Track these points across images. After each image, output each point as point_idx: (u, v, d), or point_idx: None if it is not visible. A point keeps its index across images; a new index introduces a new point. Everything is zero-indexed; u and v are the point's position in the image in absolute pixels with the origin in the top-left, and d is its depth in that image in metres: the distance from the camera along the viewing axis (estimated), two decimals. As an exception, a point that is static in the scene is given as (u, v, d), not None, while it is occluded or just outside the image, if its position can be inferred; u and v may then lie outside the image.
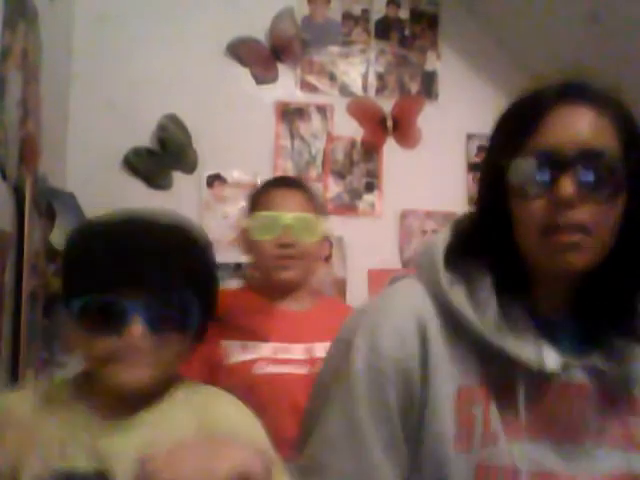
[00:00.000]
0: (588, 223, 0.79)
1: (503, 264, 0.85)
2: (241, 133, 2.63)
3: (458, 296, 0.84)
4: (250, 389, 1.42)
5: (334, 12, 2.83)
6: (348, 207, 2.75)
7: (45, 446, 0.87)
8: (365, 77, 2.84)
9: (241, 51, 2.68)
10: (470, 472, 0.79)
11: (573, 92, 0.82)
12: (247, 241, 1.60)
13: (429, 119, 2.84)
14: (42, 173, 1.88)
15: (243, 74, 2.69)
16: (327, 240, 1.68)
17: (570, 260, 0.80)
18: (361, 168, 2.79)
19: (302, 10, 2.77)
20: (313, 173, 2.74)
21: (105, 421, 0.89)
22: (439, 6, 2.90)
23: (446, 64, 2.88)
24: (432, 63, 2.89)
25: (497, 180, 0.84)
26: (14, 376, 1.56)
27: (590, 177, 0.78)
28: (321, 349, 1.47)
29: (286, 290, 1.58)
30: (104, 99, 2.49)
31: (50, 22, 2.02)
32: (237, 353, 1.49)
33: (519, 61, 2.79)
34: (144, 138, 2.55)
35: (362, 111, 2.81)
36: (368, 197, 2.78)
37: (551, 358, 0.82)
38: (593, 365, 0.83)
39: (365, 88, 2.84)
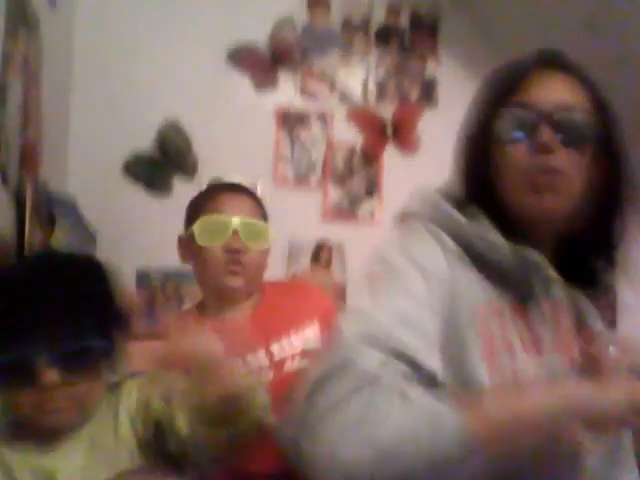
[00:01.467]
0: (562, 167, 0.89)
1: (489, 216, 0.92)
2: (241, 139, 2.63)
3: (461, 218, 0.91)
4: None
5: (334, 20, 2.84)
6: (348, 213, 2.75)
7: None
8: (365, 84, 2.85)
9: (241, 58, 2.69)
10: (495, 377, 0.82)
11: (550, 59, 0.95)
12: (191, 248, 1.50)
13: (429, 126, 2.85)
14: (43, 179, 1.89)
15: (243, 81, 2.70)
16: (267, 251, 1.58)
17: (548, 201, 0.89)
18: (361, 175, 2.80)
19: (302, 17, 2.78)
20: (313, 179, 2.74)
21: (48, 441, 0.93)
22: (439, 13, 2.91)
23: (446, 71, 2.89)
24: (432, 70, 2.90)
25: (481, 133, 0.95)
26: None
27: (564, 127, 0.89)
28: (278, 348, 1.42)
29: (234, 298, 1.48)
30: (105, 105, 2.49)
31: (51, 29, 2.03)
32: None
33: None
34: (144, 144, 2.56)
35: (362, 118, 2.82)
36: (368, 204, 2.78)
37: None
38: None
39: (365, 95, 2.84)
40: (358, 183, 2.79)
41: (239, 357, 1.37)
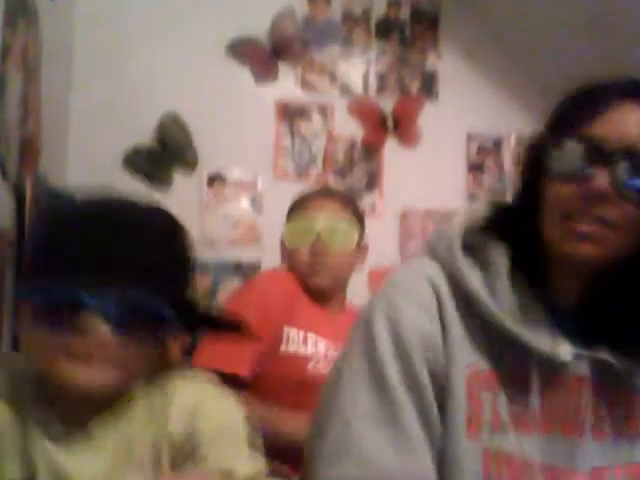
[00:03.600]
0: (613, 219, 0.78)
1: (523, 251, 0.84)
2: (241, 132, 2.63)
3: (474, 279, 0.83)
4: (301, 385, 1.44)
5: (335, 12, 2.82)
6: (348, 207, 2.75)
7: (8, 456, 0.80)
8: (365, 77, 2.84)
9: (242, 51, 2.68)
10: (477, 457, 0.79)
11: (625, 92, 0.81)
12: (284, 248, 1.65)
13: (429, 119, 2.84)
14: (42, 172, 1.88)
15: (243, 73, 2.69)
16: (364, 252, 1.73)
17: (583, 249, 0.79)
18: (361, 168, 2.79)
19: (303, 10, 2.77)
20: (313, 172, 2.74)
21: (65, 430, 0.81)
22: (439, 6, 2.90)
23: (446, 64, 2.88)
24: (432, 63, 2.89)
25: (537, 162, 0.84)
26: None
27: (629, 177, 0.77)
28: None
29: (318, 299, 1.60)
30: (104, 98, 2.49)
31: (50, 21, 2.02)
32: (296, 343, 1.50)
33: (519, 61, 2.79)
34: (144, 137, 2.55)
35: (362, 111, 2.81)
36: (368, 197, 2.78)
37: (564, 349, 0.81)
38: (599, 358, 0.82)
39: (365, 88, 2.84)
40: (359, 176, 2.78)
41: (337, 343, 1.49)
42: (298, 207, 1.66)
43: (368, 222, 2.73)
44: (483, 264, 0.85)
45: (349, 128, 2.78)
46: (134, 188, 2.50)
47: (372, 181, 2.79)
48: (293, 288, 1.58)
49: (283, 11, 2.72)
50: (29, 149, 1.75)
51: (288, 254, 1.63)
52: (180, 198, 2.56)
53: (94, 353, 0.77)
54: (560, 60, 2.44)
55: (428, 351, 0.81)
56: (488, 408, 0.80)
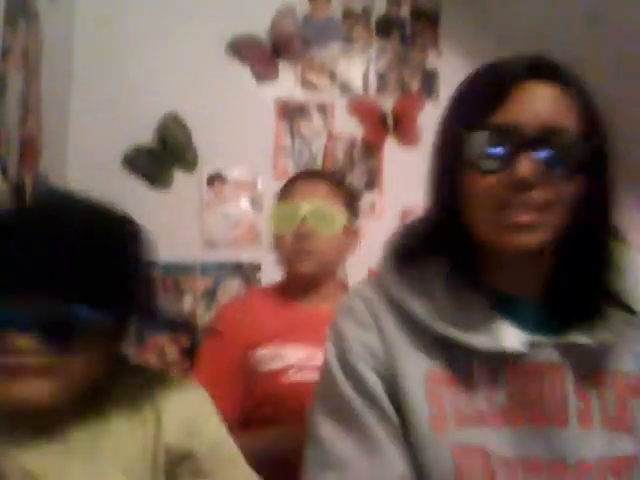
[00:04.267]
0: (544, 202, 0.77)
1: (457, 245, 0.85)
2: (241, 131, 2.62)
3: (402, 290, 0.86)
4: (282, 399, 1.39)
5: (335, 10, 2.82)
6: (348, 206, 2.75)
7: None
8: (366, 75, 2.84)
9: (241, 49, 2.68)
10: (448, 450, 0.79)
11: (538, 69, 0.81)
12: (272, 235, 1.57)
13: (430, 117, 2.83)
14: (42, 172, 1.88)
15: (243, 72, 2.69)
16: (354, 237, 1.60)
17: (523, 240, 0.78)
18: (361, 167, 2.79)
19: (303, 8, 2.77)
20: (313, 172, 2.74)
21: (34, 435, 0.80)
22: (440, 4, 2.89)
23: (447, 62, 2.88)
24: (433, 61, 2.89)
25: (452, 153, 0.82)
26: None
27: (548, 156, 0.77)
28: None
29: (307, 285, 1.52)
30: (104, 98, 2.48)
31: (50, 21, 2.02)
32: (269, 360, 1.43)
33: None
34: (144, 137, 2.55)
35: (362, 109, 2.81)
36: (369, 196, 2.78)
37: (513, 338, 0.81)
38: (567, 342, 0.81)
39: (366, 86, 2.83)
40: (359, 175, 2.78)
41: (316, 345, 1.40)
42: (285, 191, 1.57)
43: (368, 221, 2.74)
44: (420, 277, 0.86)
45: (349, 127, 2.78)
46: (134, 188, 2.50)
47: (372, 180, 2.79)
48: (250, 315, 1.50)
49: (283, 9, 2.72)
50: (29, 149, 1.75)
51: (274, 240, 1.55)
52: (180, 198, 2.56)
53: (24, 370, 0.75)
54: (560, 59, 2.44)
55: (374, 362, 0.84)
56: (449, 405, 0.81)
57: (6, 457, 0.79)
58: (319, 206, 1.49)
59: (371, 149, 2.79)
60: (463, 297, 0.83)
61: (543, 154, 0.77)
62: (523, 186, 0.76)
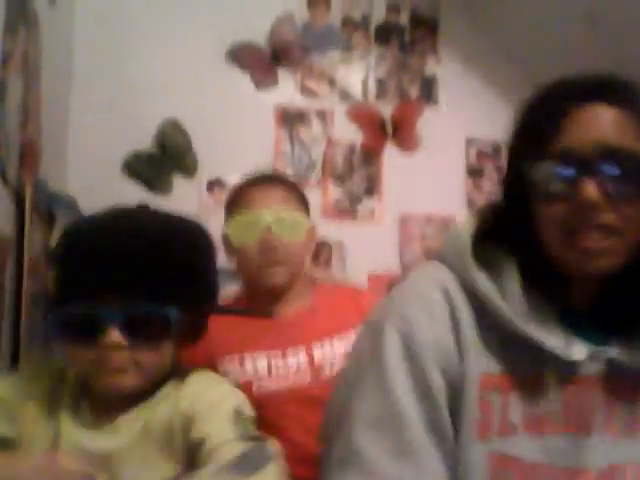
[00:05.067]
0: (614, 224, 0.77)
1: (529, 259, 0.84)
2: (241, 137, 2.63)
3: (485, 282, 0.83)
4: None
5: (334, 17, 2.83)
6: (348, 212, 2.75)
7: (38, 440, 0.90)
8: (365, 82, 2.85)
9: (241, 56, 2.69)
10: (485, 460, 0.78)
11: (593, 92, 0.81)
12: (229, 246, 1.47)
13: (429, 124, 2.84)
14: (42, 177, 1.88)
15: (243, 79, 2.70)
16: (313, 235, 1.54)
17: (597, 265, 0.78)
18: (361, 173, 2.79)
19: (302, 15, 2.78)
20: (313, 178, 2.74)
21: (96, 420, 0.92)
22: (439, 11, 2.91)
23: (446, 69, 2.89)
24: (432, 68, 2.90)
25: (520, 181, 0.82)
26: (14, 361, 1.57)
27: (613, 176, 0.76)
28: (319, 349, 1.40)
29: (275, 295, 1.46)
30: (104, 103, 2.49)
31: (50, 26, 2.02)
32: (234, 374, 1.38)
33: (519, 65, 2.79)
34: (144, 142, 2.55)
35: (362, 116, 2.81)
36: (368, 202, 2.78)
37: (578, 349, 0.81)
38: (611, 356, 0.82)
39: (365, 93, 2.84)
40: (358, 181, 2.79)
41: (279, 352, 1.40)
42: (240, 199, 1.46)
43: (367, 227, 2.75)
44: (493, 271, 0.84)
45: (348, 133, 2.79)
46: (134, 193, 2.50)
47: (371, 186, 2.79)
48: (214, 326, 1.46)
49: (283, 16, 2.73)
50: (29, 154, 1.75)
51: (236, 252, 1.45)
52: (180, 203, 2.54)
53: (117, 366, 0.88)
54: (560, 65, 2.44)
55: (443, 359, 0.80)
56: (497, 411, 0.80)
57: (64, 433, 0.91)
58: (281, 213, 1.42)
59: (370, 155, 2.80)
60: (535, 304, 0.82)
61: (607, 175, 0.76)
62: (589, 209, 0.76)
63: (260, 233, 1.40)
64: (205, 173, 2.61)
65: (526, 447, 0.79)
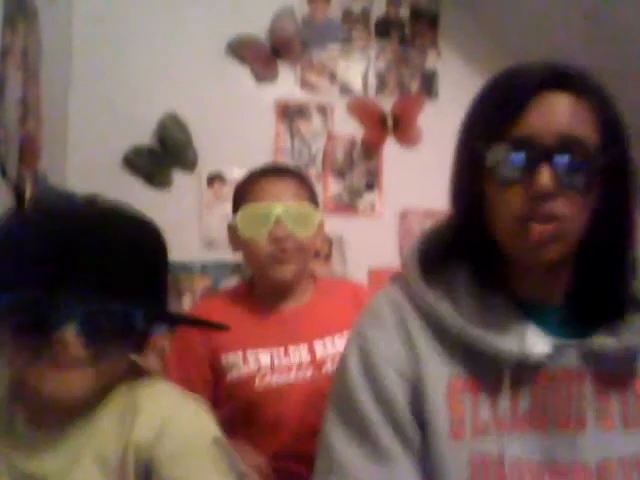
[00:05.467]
0: (564, 214, 0.78)
1: (481, 252, 0.85)
2: (241, 132, 2.62)
3: (429, 294, 0.85)
4: (252, 404, 1.36)
5: (334, 11, 2.82)
6: (348, 206, 2.75)
7: None
8: (365, 76, 2.84)
9: (241, 50, 2.68)
10: (465, 459, 0.79)
11: (555, 79, 0.81)
12: (237, 238, 1.45)
13: (429, 118, 2.84)
14: (42, 172, 1.88)
15: (243, 73, 2.69)
16: (322, 229, 1.52)
17: (546, 255, 0.79)
18: (361, 167, 2.79)
19: (302, 9, 2.77)
20: (313, 172, 2.73)
21: (29, 434, 0.81)
22: (439, 5, 2.90)
23: (446, 63, 2.88)
24: (432, 62, 2.89)
25: (473, 165, 0.84)
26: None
27: (567, 167, 0.77)
28: (321, 346, 1.41)
29: (283, 288, 1.46)
30: (104, 98, 2.48)
31: (50, 21, 2.02)
32: (237, 368, 1.38)
33: (519, 60, 2.78)
34: (144, 137, 2.55)
35: (362, 110, 2.81)
36: (368, 196, 2.78)
37: (539, 344, 0.81)
38: (589, 347, 0.82)
39: (365, 87, 2.83)
40: (358, 176, 2.78)
41: (282, 349, 1.40)
42: (250, 190, 1.45)
43: (368, 222, 2.75)
44: (444, 279, 0.86)
45: (349, 128, 2.78)
46: (134, 188, 2.50)
47: (372, 181, 2.79)
48: (218, 319, 1.41)
49: (282, 10, 2.72)
50: (29, 149, 1.75)
51: (245, 244, 1.43)
52: (180, 198, 2.56)
53: (70, 365, 0.77)
54: (559, 60, 2.44)
55: (399, 367, 0.84)
56: (469, 412, 0.81)
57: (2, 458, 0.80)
58: (293, 206, 1.40)
59: (371, 150, 2.79)
60: (488, 303, 0.84)
61: (562, 164, 0.77)
62: (543, 198, 0.77)
63: (270, 225, 1.38)
64: (205, 168, 2.61)
65: (501, 445, 0.80)
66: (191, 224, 2.55)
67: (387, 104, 2.83)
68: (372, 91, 2.84)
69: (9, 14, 1.56)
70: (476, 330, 0.81)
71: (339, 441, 0.83)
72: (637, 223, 0.84)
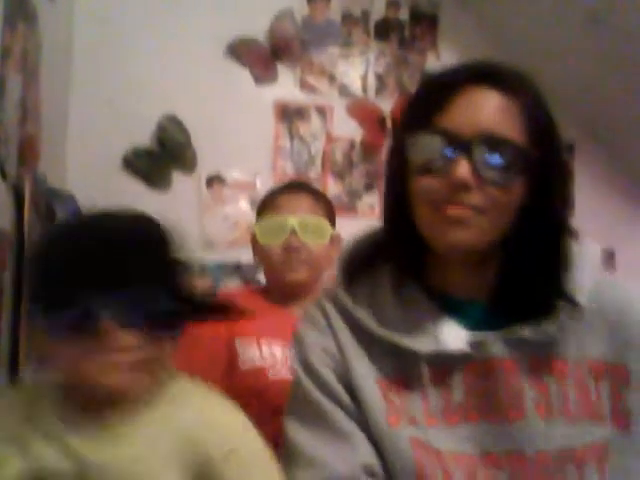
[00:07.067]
0: (480, 205, 0.79)
1: (405, 248, 0.88)
2: (240, 133, 2.63)
3: (348, 300, 0.90)
4: (263, 394, 1.41)
5: (334, 13, 2.83)
6: (347, 208, 2.75)
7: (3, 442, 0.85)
8: (365, 78, 2.84)
9: (241, 51, 2.68)
10: (406, 443, 0.81)
11: (484, 75, 0.82)
12: (256, 245, 1.61)
13: (428, 120, 2.84)
14: (41, 173, 1.88)
15: (243, 74, 2.69)
16: (338, 243, 1.66)
17: (456, 236, 0.80)
18: (360, 169, 2.80)
19: (302, 10, 2.78)
20: (312, 174, 2.74)
21: (81, 419, 0.86)
22: (438, 7, 2.90)
23: (445, 64, 2.88)
24: (431, 64, 2.89)
25: (398, 156, 0.85)
26: (13, 378, 1.56)
27: (487, 162, 0.78)
28: None
29: (295, 293, 1.56)
30: (104, 99, 2.49)
31: (50, 22, 2.02)
32: (251, 356, 1.46)
33: (518, 62, 2.79)
34: (143, 138, 2.55)
35: (361, 111, 2.81)
36: (367, 198, 2.78)
37: (457, 338, 0.83)
38: (511, 336, 0.83)
39: (365, 89, 2.84)
40: (358, 177, 2.79)
41: (276, 347, 1.47)
42: (270, 203, 1.61)
43: (367, 223, 2.74)
44: (369, 281, 0.91)
45: (348, 129, 2.79)
46: (133, 189, 2.51)
47: (371, 182, 2.79)
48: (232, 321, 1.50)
49: (282, 12, 2.73)
50: (28, 150, 1.75)
51: (261, 251, 1.59)
52: (179, 199, 2.56)
53: (119, 359, 0.83)
54: (559, 60, 2.44)
55: (332, 361, 0.88)
56: (400, 407, 0.84)
57: (57, 439, 0.85)
58: (307, 218, 1.55)
59: (370, 151, 2.80)
60: (409, 302, 0.87)
61: (481, 159, 0.78)
62: (460, 187, 0.79)
63: (285, 235, 1.53)
64: (204, 169, 2.61)
65: (434, 438, 0.81)
66: (190, 225, 2.55)
67: (386, 105, 2.84)
68: (371, 92, 2.84)
69: (9, 15, 1.57)
70: (389, 331, 0.85)
71: (299, 434, 0.87)
72: (569, 221, 0.86)
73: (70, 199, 2.05)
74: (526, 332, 0.82)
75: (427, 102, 0.83)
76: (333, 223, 1.66)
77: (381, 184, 2.78)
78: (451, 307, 0.87)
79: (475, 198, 0.79)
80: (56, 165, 2.22)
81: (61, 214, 1.89)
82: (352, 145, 2.79)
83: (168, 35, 2.59)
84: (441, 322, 0.85)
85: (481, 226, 0.81)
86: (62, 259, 0.84)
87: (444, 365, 0.83)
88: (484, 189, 0.79)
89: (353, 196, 2.77)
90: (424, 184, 0.82)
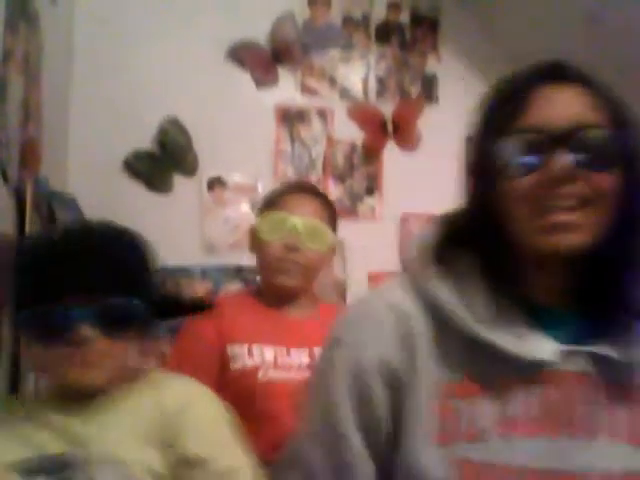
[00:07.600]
0: (584, 194, 0.76)
1: (494, 253, 0.83)
2: (241, 136, 2.63)
3: (443, 291, 0.82)
4: (253, 396, 1.42)
5: (334, 16, 2.83)
6: (348, 210, 2.75)
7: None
8: (365, 81, 2.84)
9: (242, 55, 2.69)
10: (444, 466, 0.77)
11: (555, 72, 0.82)
12: (255, 240, 1.59)
13: (429, 122, 2.84)
14: (43, 176, 1.88)
15: (244, 78, 2.70)
16: (333, 254, 1.68)
17: (563, 241, 0.77)
18: (361, 172, 2.79)
19: (303, 14, 2.78)
20: (313, 177, 2.74)
21: (73, 405, 0.94)
22: (439, 10, 2.90)
23: (446, 67, 2.89)
24: (432, 67, 2.89)
25: (484, 167, 0.82)
26: (14, 379, 1.56)
27: (580, 151, 0.76)
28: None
29: (286, 296, 1.56)
30: (105, 102, 2.49)
31: (51, 25, 2.02)
32: (241, 359, 1.47)
33: (519, 64, 2.79)
34: (145, 141, 2.55)
35: (362, 115, 2.81)
36: (368, 200, 2.78)
37: (546, 348, 0.80)
38: (597, 352, 0.80)
39: (365, 92, 2.84)
40: (358, 180, 2.79)
41: (284, 349, 1.50)
42: (276, 200, 1.61)
43: (368, 226, 2.75)
44: (456, 275, 0.84)
45: (349, 132, 2.79)
46: (134, 192, 2.51)
47: (372, 185, 2.79)
48: (228, 310, 1.53)
49: (283, 15, 2.73)
50: (30, 153, 1.75)
51: (259, 247, 1.57)
52: (180, 202, 2.56)
53: (93, 359, 0.92)
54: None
55: (387, 376, 0.81)
56: (465, 418, 0.79)
57: (54, 421, 0.94)
58: (312, 220, 1.54)
59: (371, 154, 2.80)
60: (500, 304, 0.81)
61: (575, 149, 0.76)
62: (559, 182, 0.76)
63: (287, 232, 1.51)
64: (205, 172, 2.61)
65: (499, 451, 0.78)
66: (191, 228, 2.56)
67: (387, 109, 2.84)
68: (372, 96, 2.84)
69: (10, 17, 1.57)
70: (487, 332, 0.79)
71: (308, 437, 0.85)
72: None
73: (72, 202, 2.05)
74: (615, 352, 0.80)
75: (507, 106, 0.81)
76: (334, 231, 1.65)
77: (382, 187, 2.78)
78: (536, 314, 0.83)
79: (579, 187, 0.76)
80: (57, 168, 2.22)
81: (62, 217, 1.88)
82: (353, 148, 2.79)
83: (169, 38, 2.59)
84: (532, 329, 0.81)
85: (587, 225, 0.77)
86: (40, 269, 0.93)
87: (527, 373, 0.79)
88: (587, 177, 0.76)
89: (354, 199, 2.77)
90: (520, 186, 0.78)
